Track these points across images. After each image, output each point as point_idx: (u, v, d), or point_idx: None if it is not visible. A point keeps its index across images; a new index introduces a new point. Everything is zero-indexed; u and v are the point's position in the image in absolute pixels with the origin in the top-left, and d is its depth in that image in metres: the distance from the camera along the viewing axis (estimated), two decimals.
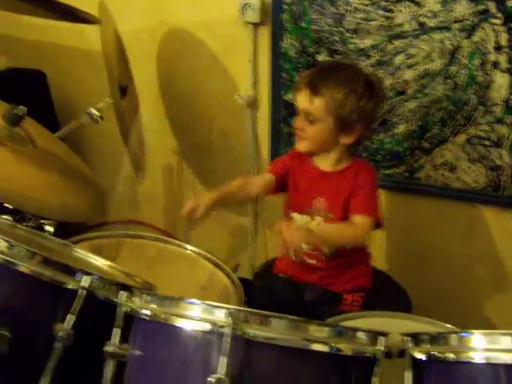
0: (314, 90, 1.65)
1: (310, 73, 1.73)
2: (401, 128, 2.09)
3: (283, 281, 1.84)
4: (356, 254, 1.77)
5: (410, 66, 2.01)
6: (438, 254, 2.19)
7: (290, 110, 2.20)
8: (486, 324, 2.14)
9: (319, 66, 1.82)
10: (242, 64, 2.25)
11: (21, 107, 1.78)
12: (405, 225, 2.23)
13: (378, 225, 1.73)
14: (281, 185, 1.80)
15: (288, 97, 2.20)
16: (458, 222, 2.14)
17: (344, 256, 1.75)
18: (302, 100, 1.68)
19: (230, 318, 1.01)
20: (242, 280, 1.74)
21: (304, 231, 1.56)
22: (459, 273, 2.18)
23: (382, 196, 2.14)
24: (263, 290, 1.87)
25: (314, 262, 1.77)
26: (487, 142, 1.98)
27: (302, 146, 1.74)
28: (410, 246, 2.23)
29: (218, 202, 1.68)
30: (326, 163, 1.76)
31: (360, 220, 1.66)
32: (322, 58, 2.11)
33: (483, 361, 0.96)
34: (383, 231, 2.13)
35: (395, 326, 1.38)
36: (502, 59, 1.88)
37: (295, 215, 1.77)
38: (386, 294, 1.89)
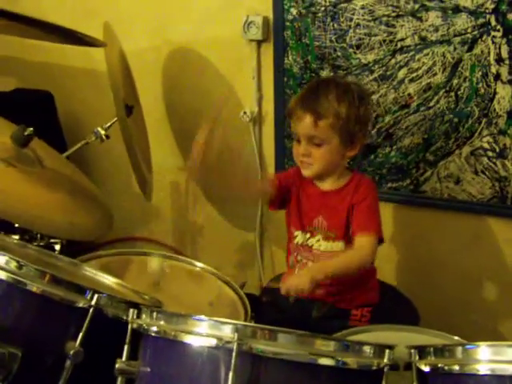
0: (317, 114, 1.63)
1: (301, 98, 1.70)
2: (405, 141, 2.10)
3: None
4: (362, 271, 1.74)
5: (412, 80, 2.03)
6: (444, 266, 2.18)
7: None
8: (494, 335, 2.13)
9: (305, 90, 1.75)
10: (247, 81, 2.28)
11: (29, 128, 1.80)
12: (411, 238, 2.23)
13: (380, 240, 1.70)
14: (281, 198, 1.79)
15: None
16: (464, 234, 2.13)
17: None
18: (305, 127, 1.65)
19: (236, 334, 1.02)
20: (249, 296, 1.75)
21: (310, 276, 1.53)
22: (466, 284, 2.17)
23: (388, 210, 2.15)
24: (271, 305, 1.87)
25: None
26: (491, 154, 1.99)
27: (309, 171, 1.71)
28: (417, 259, 2.23)
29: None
30: (326, 183, 1.75)
31: (363, 241, 1.64)
32: (325, 73, 2.13)
33: (488, 372, 0.96)
34: (389, 245, 2.13)
35: (402, 338, 1.37)
36: (503, 71, 1.89)
37: (297, 233, 1.78)
38: (394, 308, 1.89)
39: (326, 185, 1.75)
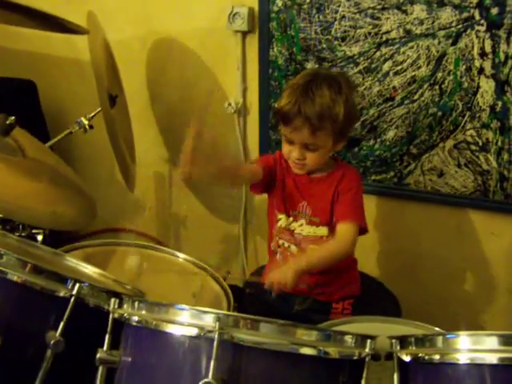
0: (315, 125, 1.61)
1: (296, 103, 1.63)
2: (390, 134, 2.11)
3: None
4: (342, 262, 1.76)
5: (397, 73, 2.03)
6: (427, 258, 2.20)
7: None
8: (476, 327, 2.15)
9: (297, 91, 1.65)
10: (232, 72, 2.27)
11: (11, 117, 1.78)
12: (394, 230, 2.24)
13: (363, 230, 1.73)
14: (266, 180, 1.78)
15: (277, 104, 2.21)
16: (446, 227, 2.15)
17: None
18: (303, 137, 1.64)
19: (217, 323, 1.02)
20: (232, 287, 1.75)
21: (294, 271, 1.55)
22: (448, 277, 2.19)
23: (372, 202, 2.16)
24: (254, 297, 1.87)
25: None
26: (474, 147, 2.01)
27: (301, 171, 1.74)
28: (400, 251, 2.25)
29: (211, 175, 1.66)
30: (313, 171, 1.76)
31: (344, 228, 1.66)
32: (310, 65, 2.13)
33: (468, 361, 0.97)
34: (373, 236, 2.15)
35: (384, 329, 1.38)
36: (487, 65, 1.90)
37: (281, 216, 1.79)
38: (376, 300, 1.90)
39: (313, 172, 1.76)
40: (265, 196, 1.87)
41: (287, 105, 1.66)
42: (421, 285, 2.21)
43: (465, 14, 1.88)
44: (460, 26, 1.90)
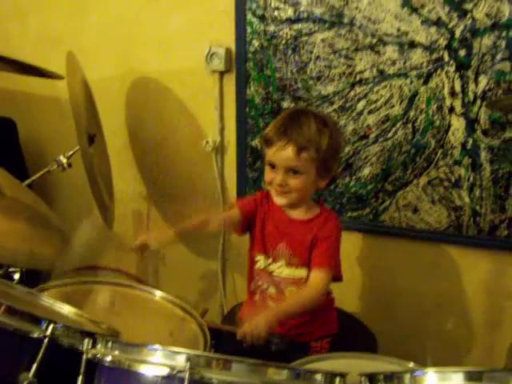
0: (299, 146, 1.62)
1: (282, 127, 1.67)
2: (365, 171, 2.14)
3: None
4: (320, 305, 1.74)
5: (371, 112, 2.08)
6: (403, 293, 2.22)
7: (256, 156, 2.26)
8: (453, 362, 2.16)
9: (284, 119, 1.71)
10: (209, 111, 2.31)
11: None
12: (371, 266, 2.26)
13: (338, 278, 1.76)
14: (246, 223, 1.79)
15: (254, 143, 2.25)
16: (422, 262, 2.18)
17: None
18: (287, 158, 1.64)
19: (188, 363, 1.02)
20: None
21: (266, 322, 1.54)
22: (424, 312, 2.21)
23: (349, 238, 2.17)
24: (231, 335, 1.87)
25: None
26: (447, 184, 2.05)
27: (283, 200, 1.71)
28: (376, 287, 2.27)
29: (173, 238, 1.70)
30: (295, 211, 1.75)
31: (317, 276, 1.67)
32: (286, 104, 2.17)
33: None
34: (350, 273, 2.16)
35: (358, 366, 1.39)
36: (457, 104, 1.96)
37: (259, 257, 1.78)
38: (353, 337, 1.91)
39: (295, 214, 1.76)
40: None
41: (273, 128, 1.69)
42: (398, 320, 2.22)
43: (435, 55, 1.94)
44: (430, 67, 1.96)
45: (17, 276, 1.88)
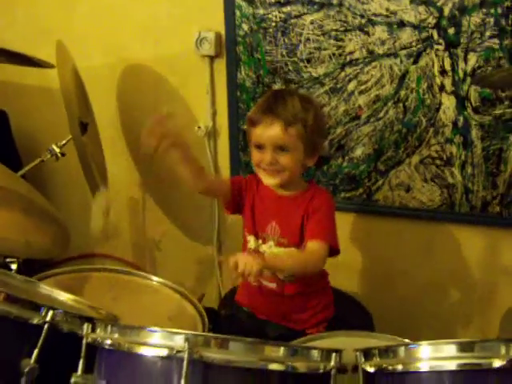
0: (286, 121, 1.61)
1: (267, 106, 1.66)
2: (357, 152, 2.15)
3: (246, 314, 1.85)
4: (316, 285, 1.77)
5: (362, 92, 2.09)
6: (398, 272, 2.24)
7: None
8: (449, 338, 2.18)
9: (268, 98, 1.70)
10: (201, 96, 2.31)
11: None
12: (365, 246, 2.28)
13: (335, 251, 1.70)
14: (235, 199, 1.79)
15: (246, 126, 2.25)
16: (416, 241, 2.20)
17: (303, 284, 1.74)
18: (274, 134, 1.62)
19: (187, 343, 1.04)
20: (207, 309, 1.77)
21: (261, 265, 1.46)
22: (419, 289, 2.23)
23: (343, 219, 2.18)
24: (228, 319, 1.88)
25: (274, 285, 1.75)
26: (439, 162, 2.06)
27: (274, 180, 1.69)
28: (371, 267, 2.28)
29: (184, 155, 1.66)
30: (283, 188, 1.74)
31: (313, 246, 1.63)
32: (277, 86, 2.17)
33: (429, 369, 1.01)
34: (345, 253, 2.17)
35: (354, 343, 1.41)
36: (447, 82, 1.97)
37: (250, 238, 1.78)
38: (349, 315, 1.92)
39: (283, 190, 1.74)
40: (237, 216, 1.87)
41: (258, 108, 1.69)
42: (393, 298, 2.24)
43: (424, 34, 1.95)
44: (420, 46, 1.96)
45: (14, 266, 1.89)
